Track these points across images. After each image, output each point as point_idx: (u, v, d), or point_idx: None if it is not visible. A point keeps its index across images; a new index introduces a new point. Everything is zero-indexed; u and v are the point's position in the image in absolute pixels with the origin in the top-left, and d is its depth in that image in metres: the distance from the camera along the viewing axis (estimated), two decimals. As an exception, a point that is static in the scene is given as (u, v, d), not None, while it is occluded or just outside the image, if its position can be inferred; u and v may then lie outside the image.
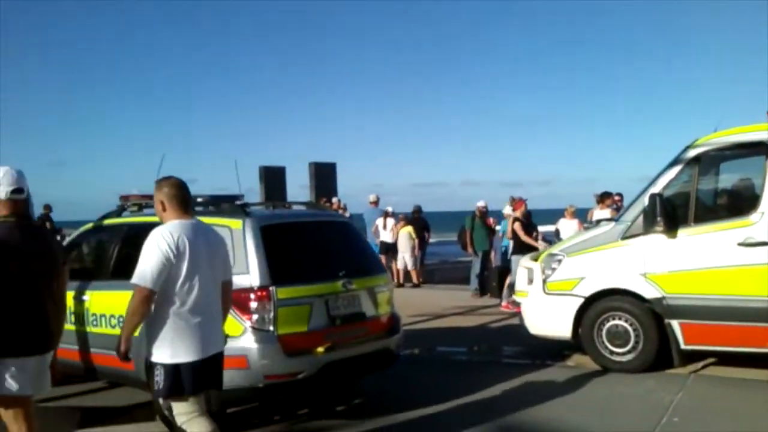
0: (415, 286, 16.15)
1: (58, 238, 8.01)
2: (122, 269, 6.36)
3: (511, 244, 12.15)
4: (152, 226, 6.49)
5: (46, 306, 4.03)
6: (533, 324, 8.11)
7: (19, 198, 4.05)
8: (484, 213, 14.82)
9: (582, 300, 7.59)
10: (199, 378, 4.00)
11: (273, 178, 17.02)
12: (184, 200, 4.15)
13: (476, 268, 14.69)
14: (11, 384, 3.88)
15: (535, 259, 8.23)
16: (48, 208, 18.67)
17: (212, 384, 4.19)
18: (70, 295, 6.38)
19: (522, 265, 8.46)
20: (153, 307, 3.96)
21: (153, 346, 4.00)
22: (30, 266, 3.93)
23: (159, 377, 3.98)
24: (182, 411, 4.04)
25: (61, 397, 6.82)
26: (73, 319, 6.38)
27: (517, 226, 11.83)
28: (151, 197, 6.75)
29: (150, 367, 4.26)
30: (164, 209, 4.17)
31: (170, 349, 3.94)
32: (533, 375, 7.47)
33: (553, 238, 13.09)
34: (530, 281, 8.07)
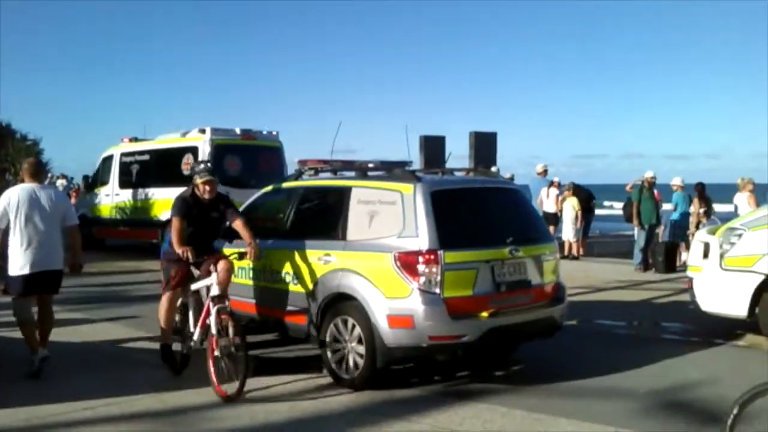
0: (574, 258, 15.82)
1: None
2: (298, 229, 6.68)
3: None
4: (328, 188, 6.83)
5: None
6: (706, 301, 7.75)
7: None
8: (653, 184, 14.27)
9: (763, 277, 7.17)
10: (30, 285, 6.14)
11: (433, 147, 17.04)
12: (32, 172, 6.37)
13: (641, 242, 14.19)
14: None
15: (712, 233, 7.81)
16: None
17: (44, 290, 6.26)
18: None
19: (697, 239, 8.05)
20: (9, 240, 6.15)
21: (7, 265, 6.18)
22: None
23: (6, 283, 6.22)
24: (17, 304, 6.18)
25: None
26: (251, 275, 6.80)
27: None
28: (327, 162, 7.09)
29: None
30: (24, 177, 6.41)
31: (12, 266, 6.12)
32: (698, 353, 7.17)
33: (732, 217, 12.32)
34: (706, 256, 7.68)
